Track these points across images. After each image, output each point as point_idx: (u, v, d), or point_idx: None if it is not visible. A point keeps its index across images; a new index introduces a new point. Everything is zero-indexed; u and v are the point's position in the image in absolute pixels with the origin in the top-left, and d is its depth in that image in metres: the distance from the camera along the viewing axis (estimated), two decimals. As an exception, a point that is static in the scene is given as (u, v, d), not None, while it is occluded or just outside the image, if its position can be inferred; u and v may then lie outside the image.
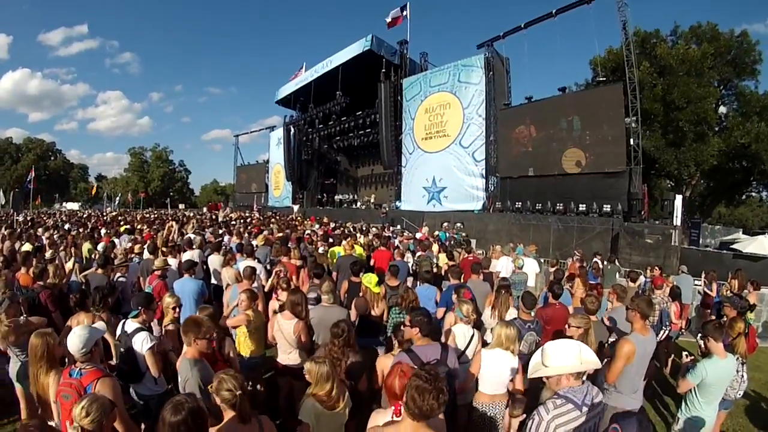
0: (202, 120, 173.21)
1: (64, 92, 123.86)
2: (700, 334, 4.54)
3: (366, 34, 26.38)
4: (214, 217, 23.97)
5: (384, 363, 3.84)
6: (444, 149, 23.97)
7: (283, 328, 4.65)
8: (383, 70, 25.99)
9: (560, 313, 5.30)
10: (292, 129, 35.28)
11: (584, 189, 18.41)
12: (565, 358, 2.59)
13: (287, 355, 4.71)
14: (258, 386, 4.92)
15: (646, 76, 23.73)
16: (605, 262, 11.54)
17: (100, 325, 3.61)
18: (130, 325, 3.99)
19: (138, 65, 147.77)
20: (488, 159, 22.13)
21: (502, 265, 9.56)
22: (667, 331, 6.83)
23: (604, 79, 20.99)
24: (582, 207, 18.17)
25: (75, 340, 3.08)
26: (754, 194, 35.03)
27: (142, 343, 3.78)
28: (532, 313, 5.06)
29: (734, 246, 18.30)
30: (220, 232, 13.87)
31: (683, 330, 9.06)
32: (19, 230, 12.17)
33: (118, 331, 4.03)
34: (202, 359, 3.49)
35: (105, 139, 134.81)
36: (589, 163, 18.30)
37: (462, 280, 6.72)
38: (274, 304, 5.57)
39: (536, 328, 4.87)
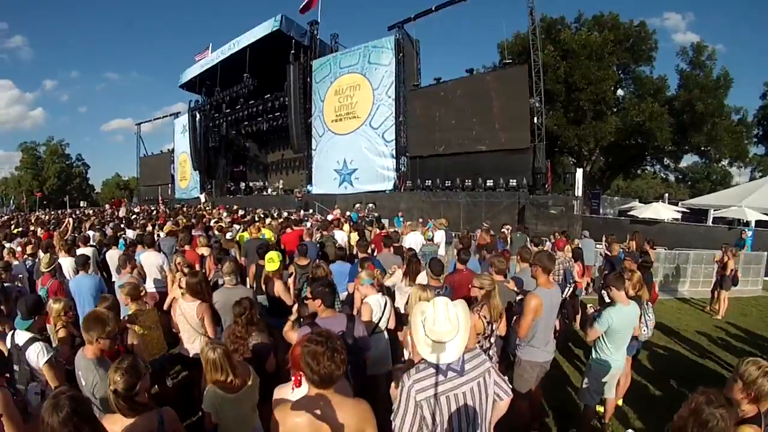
0: (102, 109, 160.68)
1: None
2: (602, 285, 4.83)
3: (275, 13, 25.72)
4: (116, 213, 22.27)
5: (289, 336, 3.79)
6: (354, 131, 23.75)
7: (186, 312, 4.40)
8: (292, 52, 25.33)
9: (468, 279, 5.21)
10: (198, 114, 33.34)
11: (491, 165, 19.07)
12: (418, 328, 2.41)
13: (192, 344, 4.43)
14: (168, 384, 4.67)
15: (550, 59, 24.85)
16: (516, 232, 11.92)
17: None
18: (21, 336, 3.42)
19: (29, 50, 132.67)
20: (398, 139, 22.17)
21: (412, 240, 9.58)
22: (571, 288, 7.12)
23: (510, 61, 21.60)
24: (489, 183, 18.92)
25: None
26: (648, 168, 37.60)
27: (38, 356, 3.28)
28: (441, 279, 5.02)
29: (631, 213, 20.10)
30: (122, 226, 12.88)
31: (589, 288, 10.12)
32: None
33: (8, 344, 3.43)
34: (104, 358, 3.16)
35: None
36: (496, 140, 18.92)
37: (375, 255, 6.85)
38: (175, 292, 5.20)
39: (445, 293, 4.63)
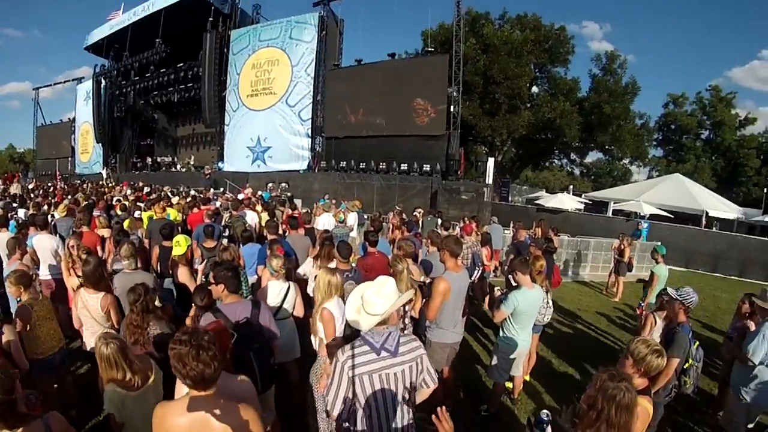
0: None
1: None
2: (508, 269, 5.14)
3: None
4: (7, 190, 19.98)
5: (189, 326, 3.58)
6: (270, 107, 23.10)
7: (89, 305, 4.09)
8: (210, 19, 24.03)
9: (380, 262, 5.35)
10: (103, 81, 30.57)
11: (406, 150, 19.34)
12: (349, 307, 2.53)
13: (96, 338, 3.77)
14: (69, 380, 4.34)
15: (471, 51, 25.75)
16: (428, 216, 12.14)
17: None
18: None
19: None
20: (314, 119, 21.87)
21: (324, 221, 9.64)
22: (480, 271, 7.38)
23: (433, 50, 21.97)
24: (404, 166, 19.24)
25: None
26: (556, 161, 40.90)
27: None
28: (352, 263, 5.05)
29: (538, 202, 21.52)
30: (14, 205, 11.76)
31: (497, 271, 10.56)
32: None
33: None
34: None
35: None
36: (412, 126, 19.11)
37: (284, 236, 6.79)
38: (72, 281, 5.00)
39: (354, 277, 4.65)
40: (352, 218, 10.43)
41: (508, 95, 27.39)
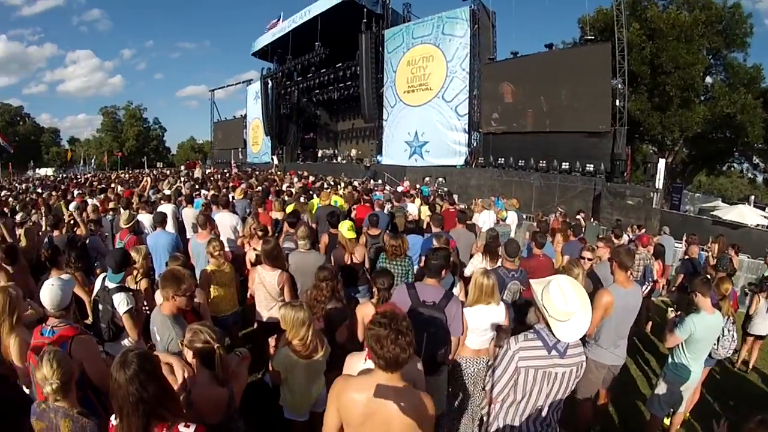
0: (176, 76, 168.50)
1: (31, 54, 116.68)
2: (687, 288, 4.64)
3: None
4: (190, 174, 23.32)
5: (363, 311, 3.68)
6: (426, 103, 23.30)
7: (266, 281, 4.43)
8: (364, 21, 24.78)
9: (544, 264, 5.24)
10: (270, 82, 34.00)
11: (567, 147, 18.12)
12: (555, 299, 2.37)
13: (268, 311, 4.48)
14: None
15: (635, 38, 23.16)
16: (591, 220, 11.57)
17: (67, 277, 3.20)
18: (111, 282, 3.62)
19: (107, 21, 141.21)
20: (471, 114, 21.57)
21: (484, 219, 9.45)
22: (649, 287, 6.90)
23: (592, 38, 20.31)
24: (565, 165, 17.99)
25: (52, 293, 2.80)
26: (735, 166, 34.64)
27: (119, 305, 3.47)
28: (516, 262, 4.84)
29: (714, 213, 18.62)
30: (197, 187, 13.45)
31: (664, 289, 9.22)
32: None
33: (97, 287, 3.76)
34: (180, 315, 3.23)
35: (76, 100, 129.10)
36: (574, 121, 17.78)
37: (444, 230, 6.56)
38: (250, 255, 5.40)
39: (520, 277, 4.64)
40: (511, 217, 10.15)
41: (680, 87, 23.59)
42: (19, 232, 6.20)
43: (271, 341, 3.24)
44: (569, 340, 2.41)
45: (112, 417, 1.99)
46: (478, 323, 3.63)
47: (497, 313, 3.67)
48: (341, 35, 26.19)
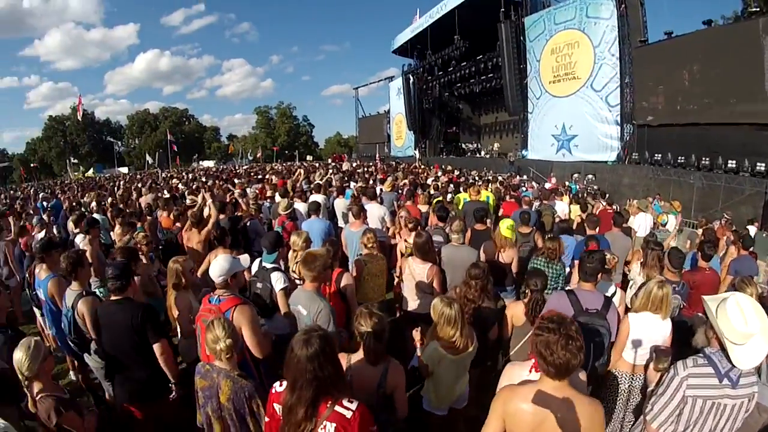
0: (321, 77, 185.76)
1: (192, 65, 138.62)
2: None
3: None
4: (339, 167, 25.17)
5: (513, 310, 3.80)
6: (574, 93, 22.58)
7: (415, 273, 4.56)
8: (502, 10, 24.54)
9: (710, 280, 4.80)
10: (411, 78, 35.59)
11: (735, 143, 16.23)
12: (734, 318, 2.22)
13: (415, 302, 4.61)
14: None
15: None
16: (763, 232, 10.37)
17: (244, 258, 3.71)
18: (266, 262, 4.18)
19: (256, 33, 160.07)
20: (623, 104, 20.41)
21: (640, 222, 9.14)
22: None
23: (757, 9, 17.71)
24: (731, 164, 16.03)
25: (214, 267, 3.30)
26: None
27: (276, 282, 3.90)
28: (679, 274, 4.52)
29: None
30: (345, 178, 14.75)
31: None
32: (151, 183, 16.20)
33: (255, 267, 4.20)
34: (321, 292, 3.57)
35: (232, 102, 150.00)
36: (742, 111, 15.91)
37: (598, 232, 6.26)
38: (401, 246, 5.54)
39: (681, 291, 4.32)
40: (672, 222, 9.47)
41: None
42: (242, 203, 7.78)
43: (416, 334, 3.23)
44: (746, 367, 2.25)
45: (276, 384, 2.23)
46: (640, 334, 3.41)
47: (663, 327, 3.41)
48: (480, 26, 26.44)
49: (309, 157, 57.17)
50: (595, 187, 17.72)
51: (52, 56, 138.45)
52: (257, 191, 11.14)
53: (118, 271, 3.36)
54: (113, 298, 3.35)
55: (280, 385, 2.18)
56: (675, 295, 4.03)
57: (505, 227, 5.20)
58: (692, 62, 17.61)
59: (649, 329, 3.40)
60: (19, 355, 2.54)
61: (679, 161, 17.86)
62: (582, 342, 1.96)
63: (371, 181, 13.52)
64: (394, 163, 30.81)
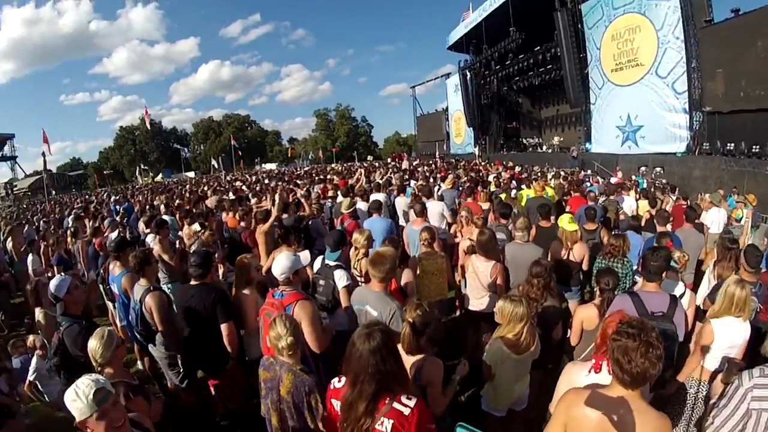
0: (378, 77, 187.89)
1: (252, 73, 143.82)
2: None
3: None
4: (398, 165, 25.15)
5: (584, 313, 3.69)
6: (638, 81, 21.67)
7: (479, 271, 4.56)
8: None
9: None
10: (468, 74, 35.59)
11: None
12: None
13: (478, 300, 4.64)
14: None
15: None
16: None
17: (304, 255, 3.80)
18: (329, 260, 4.27)
19: (311, 38, 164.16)
20: (691, 90, 19.24)
21: (713, 218, 8.72)
22: None
23: None
24: None
25: (276, 265, 3.45)
26: None
27: (339, 280, 4.00)
28: (756, 275, 4.22)
29: None
30: (406, 177, 14.93)
31: None
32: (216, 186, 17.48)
33: (317, 265, 4.34)
34: (389, 292, 3.55)
35: (292, 106, 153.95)
36: None
37: (670, 229, 6.05)
38: (464, 244, 5.48)
39: (759, 293, 4.03)
40: (746, 217, 8.85)
41: None
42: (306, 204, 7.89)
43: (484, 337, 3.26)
44: None
45: (335, 379, 2.29)
46: (723, 340, 3.25)
47: (744, 331, 3.25)
48: (535, 17, 26.06)
49: (369, 157, 58.02)
50: (664, 181, 17.07)
51: (120, 72, 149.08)
52: (320, 191, 11.53)
53: (201, 259, 3.91)
54: (192, 282, 3.89)
55: (339, 381, 2.26)
56: (752, 297, 3.67)
57: (565, 221, 5.22)
58: (765, 41, 16.38)
59: (732, 334, 3.23)
60: (94, 344, 2.75)
61: (753, 151, 16.61)
62: (662, 351, 1.86)
63: (432, 180, 13.73)
64: (454, 160, 31.01)
